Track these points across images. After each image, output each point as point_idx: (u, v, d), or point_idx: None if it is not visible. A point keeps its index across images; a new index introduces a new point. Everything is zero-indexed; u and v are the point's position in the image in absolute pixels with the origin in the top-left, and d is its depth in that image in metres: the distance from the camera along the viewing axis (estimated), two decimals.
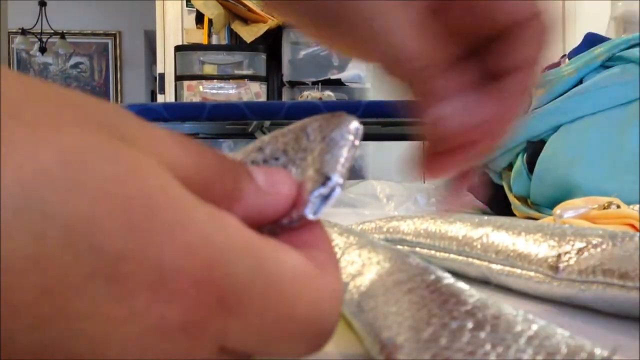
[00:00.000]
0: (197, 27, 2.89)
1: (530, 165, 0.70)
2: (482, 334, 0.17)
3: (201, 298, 0.14)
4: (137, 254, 0.13)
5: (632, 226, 0.46)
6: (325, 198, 0.18)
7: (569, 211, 0.48)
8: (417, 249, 0.41)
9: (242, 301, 0.15)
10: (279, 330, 0.16)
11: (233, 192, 0.17)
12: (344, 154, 0.19)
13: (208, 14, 2.71)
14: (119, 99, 4.19)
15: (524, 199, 0.72)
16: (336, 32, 0.25)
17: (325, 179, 0.18)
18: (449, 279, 0.23)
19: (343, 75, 2.69)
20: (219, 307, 0.14)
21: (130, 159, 0.13)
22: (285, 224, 0.18)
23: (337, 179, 0.18)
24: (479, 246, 0.35)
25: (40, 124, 0.13)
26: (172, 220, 0.13)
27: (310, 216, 0.18)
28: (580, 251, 0.30)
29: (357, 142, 0.20)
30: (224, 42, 3.86)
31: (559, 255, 0.30)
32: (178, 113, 1.54)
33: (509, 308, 0.19)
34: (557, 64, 0.80)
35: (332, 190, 0.18)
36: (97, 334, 0.13)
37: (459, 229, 0.38)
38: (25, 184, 0.12)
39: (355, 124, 0.20)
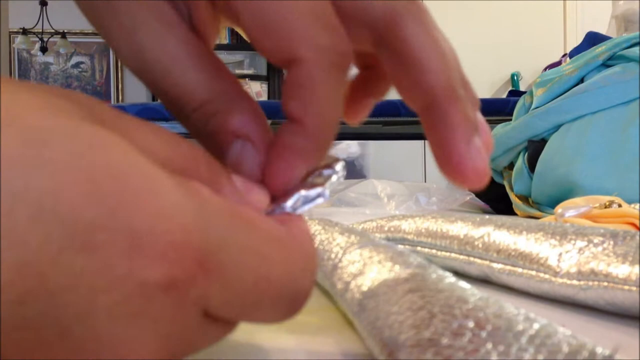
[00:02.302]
0: None
1: (532, 164, 0.70)
2: (484, 333, 0.17)
3: (180, 260, 0.14)
4: (108, 222, 0.13)
5: (634, 225, 0.46)
6: (309, 201, 0.19)
7: (570, 210, 0.48)
8: (418, 248, 0.41)
9: (221, 262, 0.15)
10: (257, 292, 0.16)
11: (209, 183, 0.17)
12: (333, 179, 0.20)
13: None
14: (120, 98, 4.19)
15: (525, 198, 0.72)
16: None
17: (312, 186, 0.20)
18: (450, 277, 0.23)
19: None
20: (198, 268, 0.14)
21: (93, 134, 0.14)
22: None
23: (323, 188, 0.20)
24: (480, 245, 0.36)
25: (4, 109, 0.13)
26: (140, 187, 0.14)
27: (289, 210, 0.19)
28: (581, 250, 0.30)
29: (342, 177, 0.21)
30: (225, 41, 3.84)
31: (560, 254, 0.30)
32: None
33: (510, 307, 0.19)
34: (558, 63, 0.80)
35: (318, 196, 0.20)
36: (82, 305, 0.13)
37: (460, 228, 0.38)
38: None
39: (341, 165, 0.21)
